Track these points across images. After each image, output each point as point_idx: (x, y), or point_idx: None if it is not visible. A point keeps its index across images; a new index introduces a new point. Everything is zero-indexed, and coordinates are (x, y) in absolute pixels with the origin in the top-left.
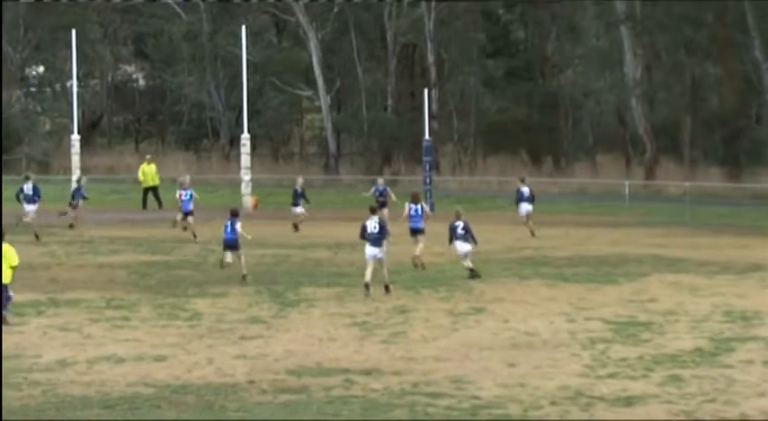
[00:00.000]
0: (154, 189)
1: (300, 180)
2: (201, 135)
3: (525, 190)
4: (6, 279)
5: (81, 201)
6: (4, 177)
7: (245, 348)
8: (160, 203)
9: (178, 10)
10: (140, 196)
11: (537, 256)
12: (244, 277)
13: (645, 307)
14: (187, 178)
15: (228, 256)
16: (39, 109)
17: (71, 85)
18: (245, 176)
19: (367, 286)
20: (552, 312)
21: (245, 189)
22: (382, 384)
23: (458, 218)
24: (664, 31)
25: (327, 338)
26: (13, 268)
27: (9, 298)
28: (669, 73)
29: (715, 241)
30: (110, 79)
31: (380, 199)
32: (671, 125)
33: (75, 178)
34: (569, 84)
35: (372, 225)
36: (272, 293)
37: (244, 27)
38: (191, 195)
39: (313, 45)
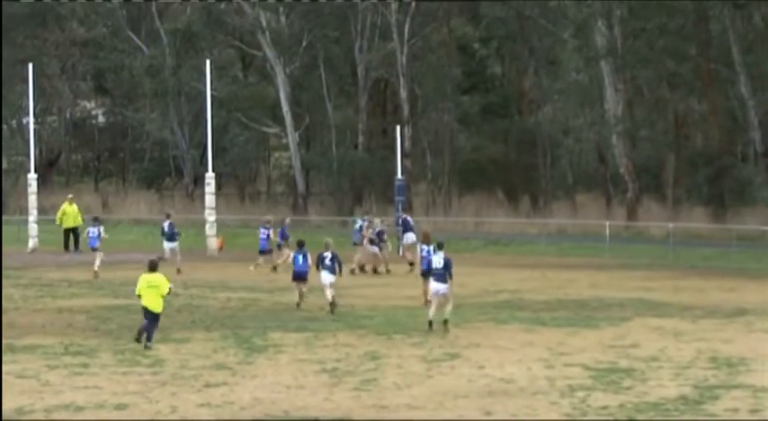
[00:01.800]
0: (74, 230)
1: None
2: (164, 173)
3: (410, 219)
4: (158, 307)
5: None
6: None
7: (209, 396)
8: (77, 245)
9: (140, 44)
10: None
11: (514, 300)
12: (298, 305)
13: (626, 352)
14: (271, 217)
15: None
16: None
17: (28, 122)
18: (210, 217)
19: (431, 324)
20: (530, 358)
21: (210, 230)
22: None
23: (326, 248)
24: (646, 66)
25: (296, 385)
26: (164, 297)
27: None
28: (652, 109)
29: (699, 284)
30: (68, 115)
31: (379, 230)
32: (653, 163)
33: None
34: (548, 120)
35: (437, 260)
36: (239, 338)
37: (208, 61)
38: (268, 235)
39: (280, 80)
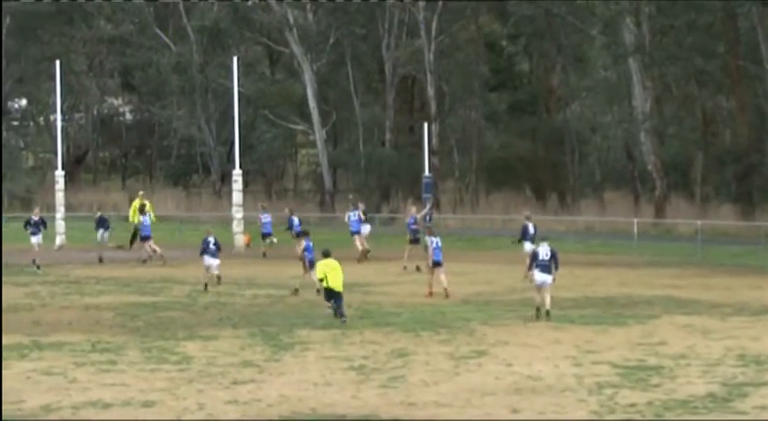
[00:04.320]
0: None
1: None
2: (191, 171)
3: (531, 227)
4: (341, 287)
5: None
6: None
7: (236, 393)
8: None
9: (167, 41)
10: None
11: None
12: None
13: (655, 350)
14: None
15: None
16: (21, 144)
17: (55, 119)
18: (237, 214)
19: (538, 310)
20: (557, 355)
21: (237, 227)
22: None
23: (209, 235)
24: (674, 63)
25: (323, 383)
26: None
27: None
28: (680, 106)
29: (728, 282)
30: (95, 113)
31: (413, 227)
32: (682, 161)
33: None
34: (575, 118)
35: (544, 252)
36: (266, 336)
37: (235, 58)
38: (299, 220)
39: (308, 77)
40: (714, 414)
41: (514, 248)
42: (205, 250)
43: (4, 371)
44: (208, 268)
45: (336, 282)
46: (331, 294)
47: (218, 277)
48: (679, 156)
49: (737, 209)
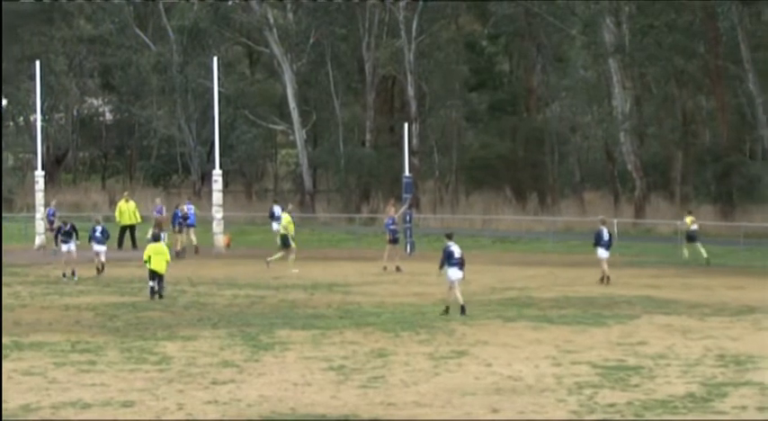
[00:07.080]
0: (131, 227)
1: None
2: (171, 171)
3: (605, 232)
4: (163, 270)
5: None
6: None
7: (216, 393)
8: (134, 243)
9: (147, 41)
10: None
11: (521, 297)
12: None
13: (634, 350)
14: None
15: None
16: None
17: (35, 119)
18: (217, 214)
19: (447, 309)
20: (537, 356)
21: (217, 227)
22: None
23: (97, 223)
24: (654, 63)
25: (303, 383)
26: (167, 262)
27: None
28: (660, 106)
29: (707, 282)
30: (75, 113)
31: (392, 228)
32: (661, 161)
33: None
34: (555, 118)
35: (458, 250)
36: (245, 336)
37: (215, 58)
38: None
39: (288, 77)
40: (694, 414)
41: (494, 248)
42: (91, 237)
43: None
44: (96, 254)
45: (159, 265)
46: (153, 275)
47: (103, 264)
48: (659, 156)
49: (717, 209)
